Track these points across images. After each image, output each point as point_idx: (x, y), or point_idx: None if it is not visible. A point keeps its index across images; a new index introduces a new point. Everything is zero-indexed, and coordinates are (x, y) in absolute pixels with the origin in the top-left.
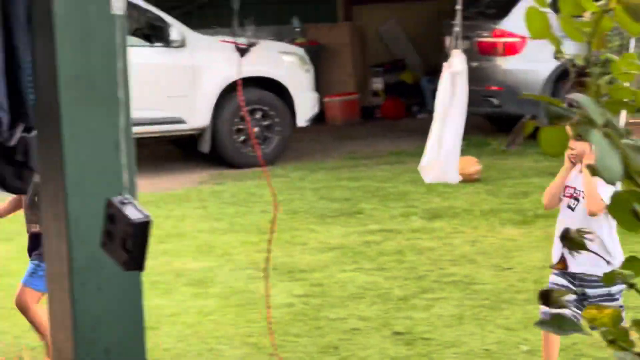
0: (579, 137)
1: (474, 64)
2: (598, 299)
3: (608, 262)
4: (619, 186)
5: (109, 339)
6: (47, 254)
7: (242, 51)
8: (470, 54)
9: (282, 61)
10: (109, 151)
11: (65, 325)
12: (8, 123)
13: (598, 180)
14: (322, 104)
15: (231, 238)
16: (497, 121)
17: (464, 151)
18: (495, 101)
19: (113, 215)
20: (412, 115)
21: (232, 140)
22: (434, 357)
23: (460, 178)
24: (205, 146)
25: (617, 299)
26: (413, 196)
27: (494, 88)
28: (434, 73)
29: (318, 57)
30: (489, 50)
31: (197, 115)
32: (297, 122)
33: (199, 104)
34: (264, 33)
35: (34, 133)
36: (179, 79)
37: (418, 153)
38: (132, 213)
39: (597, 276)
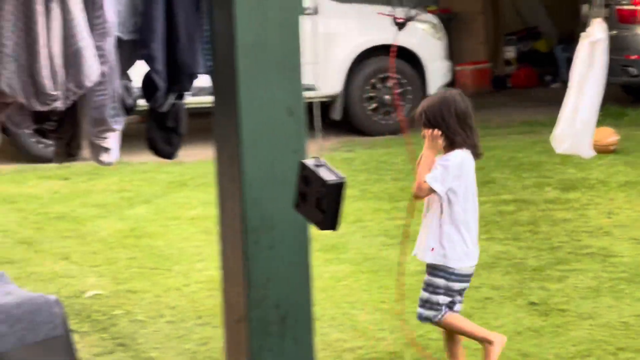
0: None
1: (613, 32)
2: (426, 286)
3: (432, 249)
4: (454, 175)
5: (279, 295)
6: (221, 214)
7: (400, 25)
8: (608, 22)
9: (415, 29)
10: (283, 116)
11: (238, 282)
12: (164, 90)
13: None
14: (453, 72)
15: (363, 205)
16: (634, 91)
17: (600, 122)
18: (633, 70)
19: (307, 177)
20: (544, 85)
21: (363, 108)
22: (570, 329)
23: (594, 153)
24: (336, 113)
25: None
26: (546, 166)
27: (632, 57)
28: (569, 41)
29: (450, 25)
30: (628, 19)
31: (328, 82)
32: (429, 90)
33: (331, 71)
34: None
35: (184, 100)
36: (311, 46)
37: (551, 123)
38: (326, 175)
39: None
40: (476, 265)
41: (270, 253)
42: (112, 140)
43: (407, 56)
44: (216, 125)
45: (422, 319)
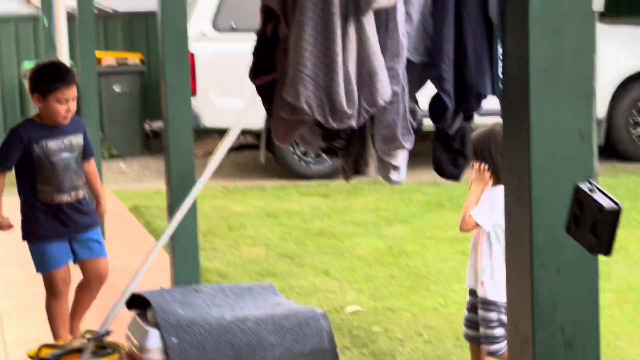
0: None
1: None
2: (482, 322)
3: (482, 283)
4: (500, 210)
5: (565, 319)
6: (508, 235)
7: None
8: None
9: None
10: (574, 140)
11: (524, 304)
12: (452, 111)
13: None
14: None
15: (627, 233)
16: None
17: None
18: None
19: (581, 201)
20: None
21: (629, 133)
22: None
23: None
24: (599, 139)
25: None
26: None
27: None
28: None
29: None
30: None
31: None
32: None
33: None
34: None
35: (471, 122)
36: None
37: None
38: (602, 200)
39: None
40: None
41: (557, 276)
42: (401, 158)
43: None
44: (505, 147)
45: (491, 354)
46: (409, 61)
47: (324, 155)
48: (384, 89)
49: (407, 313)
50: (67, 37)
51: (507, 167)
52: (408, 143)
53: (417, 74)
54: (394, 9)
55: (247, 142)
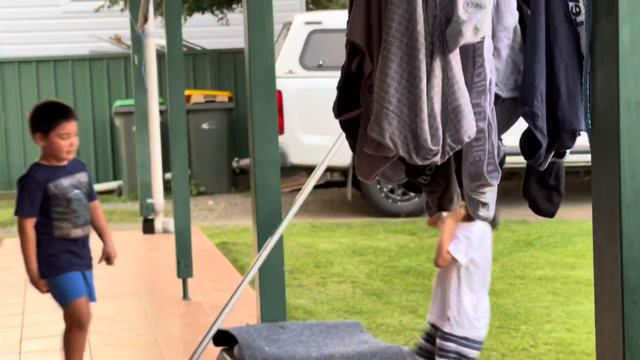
0: None
1: None
2: (439, 351)
3: (449, 318)
4: (476, 246)
5: None
6: (597, 272)
7: None
8: None
9: None
10: None
11: (614, 343)
12: (545, 147)
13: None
14: None
15: None
16: None
17: None
18: None
19: None
20: None
21: None
22: None
23: None
24: None
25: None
26: None
27: None
28: None
29: None
30: None
31: None
32: None
33: None
34: None
35: (564, 158)
36: None
37: None
38: None
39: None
40: None
41: None
42: (490, 195)
43: None
44: (595, 183)
45: None
46: (498, 97)
47: (410, 193)
48: (470, 126)
49: (496, 353)
50: (157, 75)
51: (596, 204)
52: (495, 180)
53: (507, 110)
54: (480, 44)
55: (334, 180)
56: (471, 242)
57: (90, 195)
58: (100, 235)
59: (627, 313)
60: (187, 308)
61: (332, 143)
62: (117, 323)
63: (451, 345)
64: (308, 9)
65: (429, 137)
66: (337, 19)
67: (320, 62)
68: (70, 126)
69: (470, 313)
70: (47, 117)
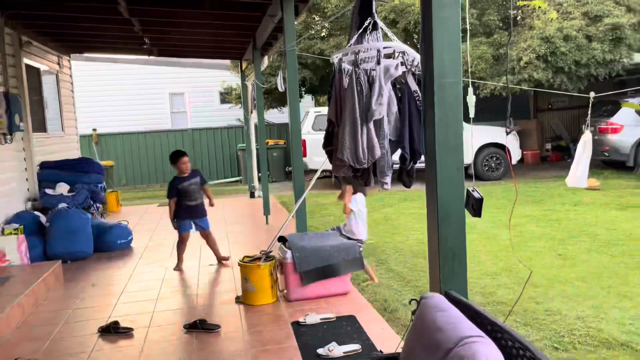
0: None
1: (595, 137)
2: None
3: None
4: (360, 203)
5: (452, 244)
6: (429, 207)
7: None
8: (593, 132)
9: (509, 135)
10: (456, 172)
11: (434, 239)
12: (409, 161)
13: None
14: (522, 154)
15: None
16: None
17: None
18: (606, 154)
19: (469, 195)
20: (564, 160)
21: (482, 168)
22: None
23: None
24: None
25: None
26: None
27: (606, 148)
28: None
29: (521, 132)
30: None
31: None
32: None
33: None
34: None
35: (416, 164)
36: None
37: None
38: (476, 194)
39: None
40: None
41: (447, 223)
42: (388, 179)
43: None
44: (427, 177)
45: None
46: (390, 139)
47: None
48: (377, 152)
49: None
50: (254, 134)
51: (428, 187)
52: (390, 173)
53: (394, 145)
54: (382, 119)
55: (326, 175)
56: (357, 201)
57: (202, 184)
58: (209, 198)
59: (440, 223)
60: (268, 228)
61: (324, 161)
62: (237, 226)
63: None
64: (316, 105)
65: (362, 157)
66: (326, 110)
67: (320, 128)
68: (184, 159)
69: (355, 230)
70: (175, 156)
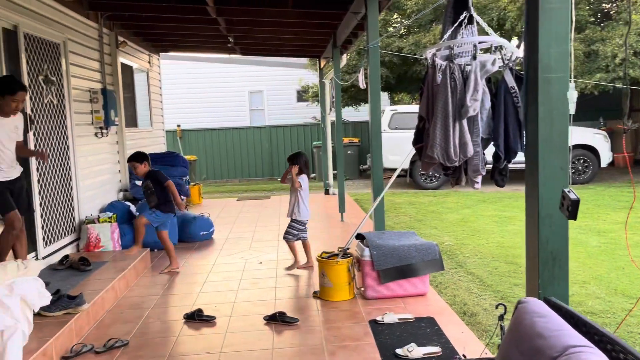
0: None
1: None
2: (288, 228)
3: (294, 213)
4: (305, 183)
5: (552, 247)
6: (527, 200)
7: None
8: None
9: (598, 136)
10: (559, 171)
11: (534, 236)
12: (503, 159)
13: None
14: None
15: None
16: None
17: None
18: None
19: (563, 196)
20: None
21: None
22: None
23: None
24: None
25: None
26: None
27: None
28: None
29: (612, 135)
30: None
31: None
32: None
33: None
34: None
35: (509, 163)
36: None
37: None
38: (573, 195)
39: None
40: None
41: (550, 224)
42: (479, 179)
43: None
44: (526, 177)
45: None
46: (482, 138)
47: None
48: (470, 150)
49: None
50: (331, 131)
51: (527, 187)
52: (483, 171)
53: (485, 142)
54: (476, 115)
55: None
56: (304, 180)
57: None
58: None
59: (540, 223)
60: (343, 225)
61: (401, 160)
62: (312, 222)
63: (293, 224)
64: (392, 103)
65: (453, 155)
66: (402, 109)
67: (396, 126)
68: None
69: (299, 210)
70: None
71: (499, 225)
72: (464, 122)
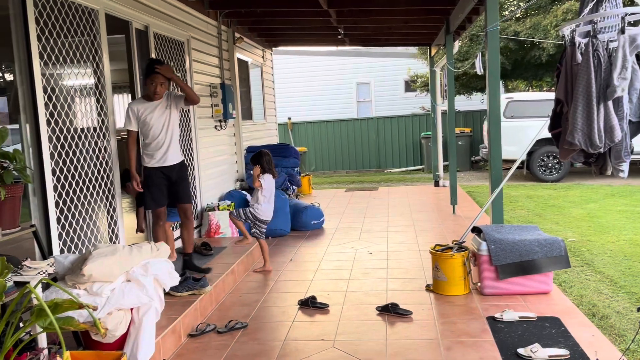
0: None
1: None
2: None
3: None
4: (267, 182)
5: None
6: None
7: None
8: None
9: None
10: None
11: None
12: None
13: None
14: None
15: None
16: None
17: None
18: None
19: None
20: None
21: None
22: None
23: None
24: None
25: None
26: None
27: None
28: None
29: None
30: None
31: None
32: None
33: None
34: None
35: None
36: None
37: None
38: None
39: None
40: None
41: None
42: (625, 167)
43: None
44: None
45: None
46: (630, 121)
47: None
48: (617, 135)
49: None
50: (441, 121)
51: None
52: (628, 160)
53: (635, 127)
54: (622, 96)
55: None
56: (265, 180)
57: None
58: None
59: None
60: (455, 218)
61: (517, 151)
62: (423, 214)
63: (257, 223)
64: (507, 91)
65: (597, 140)
66: (518, 96)
67: (512, 115)
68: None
69: (261, 208)
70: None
71: (631, 221)
72: (610, 103)
